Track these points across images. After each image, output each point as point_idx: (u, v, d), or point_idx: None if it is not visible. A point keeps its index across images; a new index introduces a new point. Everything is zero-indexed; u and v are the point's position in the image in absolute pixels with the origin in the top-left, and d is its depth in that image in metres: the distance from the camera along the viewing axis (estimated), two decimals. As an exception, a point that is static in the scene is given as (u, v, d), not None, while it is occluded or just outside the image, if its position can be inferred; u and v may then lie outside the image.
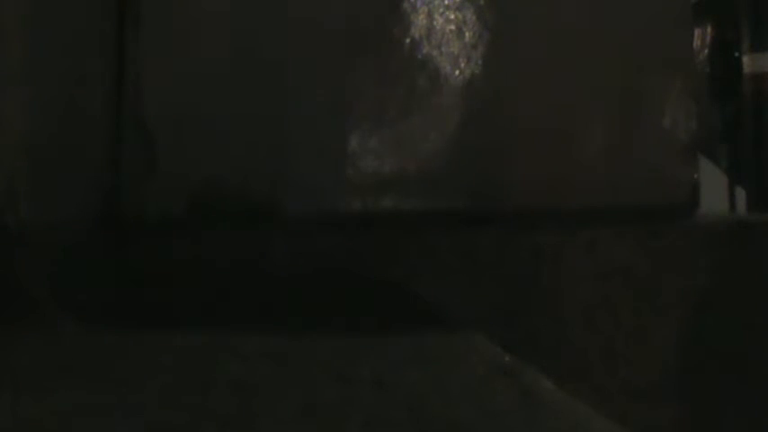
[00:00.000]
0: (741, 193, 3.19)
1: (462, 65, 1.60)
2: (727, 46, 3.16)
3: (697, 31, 3.12)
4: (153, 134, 1.48)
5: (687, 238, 1.70)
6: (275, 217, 1.52)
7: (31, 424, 1.09)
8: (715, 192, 3.11)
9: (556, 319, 1.61)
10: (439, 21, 1.60)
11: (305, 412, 1.15)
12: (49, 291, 1.39)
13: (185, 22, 1.51)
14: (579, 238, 1.63)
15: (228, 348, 1.28)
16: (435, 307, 1.51)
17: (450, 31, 1.60)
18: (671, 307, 1.67)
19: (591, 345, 1.62)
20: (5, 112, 1.46)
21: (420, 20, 1.59)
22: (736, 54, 3.10)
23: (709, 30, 3.22)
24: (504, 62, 1.62)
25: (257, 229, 1.51)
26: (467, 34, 1.61)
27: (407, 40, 1.59)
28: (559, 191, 1.64)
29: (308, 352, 1.29)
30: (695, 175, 1.71)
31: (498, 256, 1.59)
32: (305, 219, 1.54)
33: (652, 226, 1.67)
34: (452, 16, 1.60)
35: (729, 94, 3.12)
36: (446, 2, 1.60)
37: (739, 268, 1.73)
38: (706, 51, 3.22)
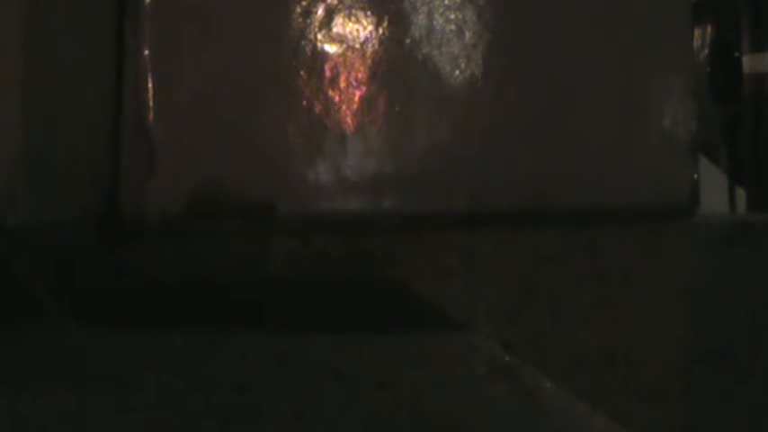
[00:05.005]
0: (741, 193, 3.20)
1: (462, 65, 1.60)
2: (727, 46, 3.16)
3: (697, 31, 3.13)
4: (152, 134, 1.48)
5: (687, 238, 1.70)
6: (274, 217, 1.52)
7: (31, 424, 1.09)
8: (715, 192, 3.11)
9: (556, 319, 1.61)
10: (439, 21, 1.60)
11: (305, 412, 1.15)
12: (48, 291, 1.39)
13: (185, 21, 1.51)
14: (579, 238, 1.63)
15: (228, 348, 1.28)
16: (435, 307, 1.51)
17: (450, 31, 1.60)
18: (671, 307, 1.67)
19: (591, 345, 1.62)
20: (4, 112, 1.46)
21: (420, 20, 1.59)
22: (736, 54, 3.10)
23: (709, 30, 3.22)
24: (504, 62, 1.62)
25: (257, 230, 1.51)
26: (467, 34, 1.61)
27: (407, 41, 1.59)
28: (559, 191, 1.64)
29: (308, 352, 1.29)
30: (695, 175, 1.71)
31: (498, 256, 1.59)
32: (304, 219, 1.54)
33: (652, 226, 1.67)
34: (452, 16, 1.60)
35: (729, 94, 3.13)
36: (446, 2, 1.60)
37: (739, 268, 1.73)
38: (706, 51, 3.22)
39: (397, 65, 1.58)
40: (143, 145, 1.49)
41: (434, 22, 1.60)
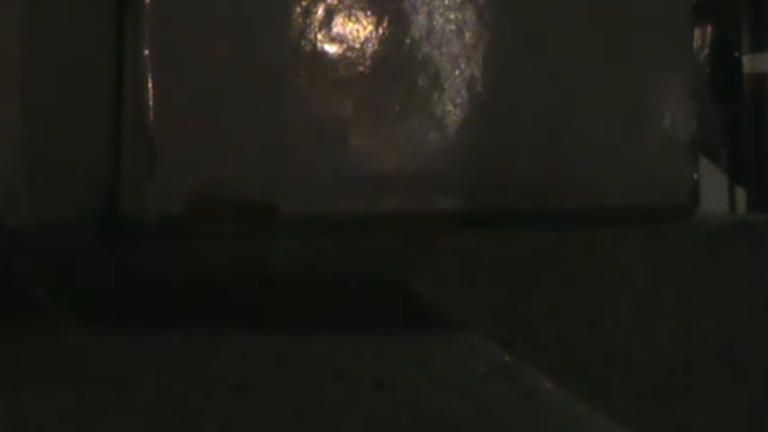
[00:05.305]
0: (741, 193, 3.19)
1: (462, 65, 1.60)
2: (727, 46, 3.16)
3: (697, 31, 3.13)
4: (152, 134, 1.48)
5: (687, 238, 1.70)
6: (274, 217, 1.52)
7: (31, 424, 1.08)
8: (715, 192, 3.11)
9: (556, 319, 1.61)
10: (439, 21, 1.60)
11: (305, 412, 1.15)
12: (48, 291, 1.39)
13: (185, 21, 1.51)
14: (579, 238, 1.63)
15: (228, 348, 1.28)
16: (435, 307, 1.51)
17: (451, 31, 1.60)
18: (671, 307, 1.67)
19: (591, 345, 1.62)
20: (4, 112, 1.46)
21: (420, 20, 1.59)
22: (736, 54, 3.10)
23: (709, 30, 3.22)
24: (504, 62, 1.62)
25: (257, 230, 1.51)
26: (467, 34, 1.61)
27: (407, 40, 1.59)
28: (559, 191, 1.64)
29: (308, 352, 1.29)
30: (695, 175, 1.71)
31: (498, 256, 1.59)
32: (304, 219, 1.54)
33: (652, 226, 1.67)
34: (452, 16, 1.60)
35: (729, 94, 3.12)
36: (446, 2, 1.60)
37: (739, 268, 1.73)
38: (706, 51, 3.22)
39: (397, 65, 1.58)
40: (143, 145, 1.49)
41: (434, 22, 1.60)
